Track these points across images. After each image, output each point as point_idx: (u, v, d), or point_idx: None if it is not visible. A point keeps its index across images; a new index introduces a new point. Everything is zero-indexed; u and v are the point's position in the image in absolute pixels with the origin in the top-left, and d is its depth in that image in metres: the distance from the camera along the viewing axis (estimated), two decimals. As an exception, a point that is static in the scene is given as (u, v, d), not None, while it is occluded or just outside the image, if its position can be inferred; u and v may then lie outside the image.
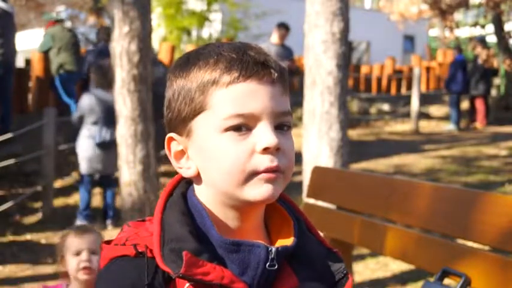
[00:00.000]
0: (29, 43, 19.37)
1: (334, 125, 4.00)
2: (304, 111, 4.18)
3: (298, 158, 5.73)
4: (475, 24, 13.71)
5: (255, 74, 0.91)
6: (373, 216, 2.45)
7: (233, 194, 0.91)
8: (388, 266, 4.59)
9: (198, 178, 0.95)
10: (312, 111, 4.05)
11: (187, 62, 0.95)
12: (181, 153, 0.96)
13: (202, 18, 13.27)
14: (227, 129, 0.90)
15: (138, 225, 0.97)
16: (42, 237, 5.72)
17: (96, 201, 6.55)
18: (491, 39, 14.26)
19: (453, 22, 12.60)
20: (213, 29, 14.23)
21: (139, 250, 0.91)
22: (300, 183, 4.59)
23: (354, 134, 10.56)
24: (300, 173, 4.53)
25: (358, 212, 2.50)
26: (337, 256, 1.02)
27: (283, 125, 0.94)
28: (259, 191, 0.90)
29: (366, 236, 2.41)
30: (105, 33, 7.90)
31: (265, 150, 0.90)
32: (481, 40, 12.00)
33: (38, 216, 6.31)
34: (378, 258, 4.72)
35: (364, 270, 4.54)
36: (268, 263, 0.92)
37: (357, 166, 7.80)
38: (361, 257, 4.76)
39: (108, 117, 5.73)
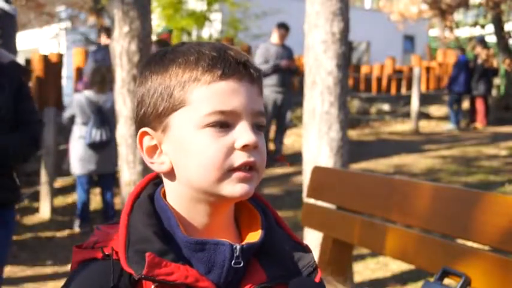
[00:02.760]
0: (29, 43, 19.37)
1: (334, 125, 4.00)
2: (304, 111, 4.18)
3: (298, 158, 5.73)
4: (475, 24, 13.71)
5: (237, 73, 0.92)
6: (373, 216, 2.45)
7: (208, 190, 0.92)
8: (388, 266, 4.59)
9: (170, 174, 0.96)
10: (312, 111, 4.05)
11: (164, 59, 0.95)
12: (154, 148, 0.96)
13: (202, 18, 13.27)
14: (207, 126, 0.91)
15: (107, 228, 0.98)
16: (42, 237, 5.72)
17: (96, 201, 6.55)
18: (491, 39, 14.26)
19: (453, 22, 12.60)
20: (213, 29, 14.23)
21: (106, 253, 0.91)
22: (300, 183, 4.59)
23: (354, 134, 10.56)
24: (300, 173, 4.53)
25: (358, 212, 2.49)
26: (307, 250, 1.02)
27: (258, 125, 0.95)
28: (235, 188, 0.91)
29: (366, 236, 2.40)
30: (106, 33, 7.94)
31: (244, 148, 0.91)
32: (481, 40, 12.01)
33: (38, 216, 6.31)
34: (378, 258, 4.72)
35: (364, 270, 4.55)
36: (233, 261, 0.92)
37: (357, 166, 7.80)
38: (361, 257, 4.76)
39: (99, 118, 5.75)
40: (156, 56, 0.97)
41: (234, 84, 0.92)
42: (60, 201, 6.80)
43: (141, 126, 0.97)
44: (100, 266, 0.91)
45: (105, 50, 7.62)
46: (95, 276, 0.91)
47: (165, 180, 0.98)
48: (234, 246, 0.93)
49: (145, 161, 0.97)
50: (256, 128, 0.95)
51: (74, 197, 6.67)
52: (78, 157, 5.82)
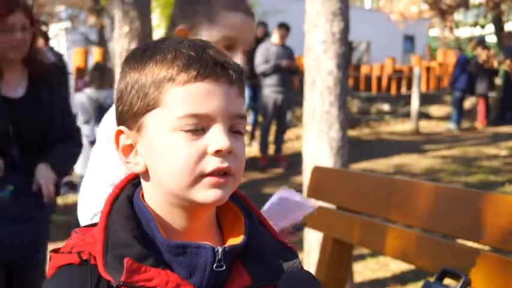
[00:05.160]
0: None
1: (334, 125, 3.99)
2: (304, 111, 4.18)
3: (298, 158, 5.72)
4: (475, 24, 13.70)
5: (213, 74, 0.89)
6: (373, 216, 2.45)
7: (181, 194, 0.90)
8: (388, 266, 4.59)
9: (145, 175, 0.93)
10: (312, 111, 4.05)
11: (143, 55, 0.92)
12: (130, 147, 0.94)
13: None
14: (180, 129, 0.88)
15: (85, 232, 0.94)
16: (42, 237, 5.72)
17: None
18: (492, 39, 14.26)
19: (453, 22, 12.59)
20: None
21: (84, 258, 0.89)
22: (300, 183, 4.59)
23: (354, 134, 10.55)
24: (300, 173, 4.53)
25: (358, 212, 2.49)
26: (291, 251, 1.00)
27: (236, 127, 0.92)
28: (207, 194, 0.89)
29: (366, 236, 2.40)
30: None
31: (217, 153, 0.88)
32: (481, 41, 12.00)
33: (38, 216, 6.31)
34: (378, 258, 4.72)
35: (364, 270, 4.55)
36: (215, 264, 0.90)
37: (357, 166, 7.80)
38: (361, 257, 4.76)
39: (101, 116, 5.76)
40: (137, 51, 0.95)
41: (210, 86, 0.89)
42: (60, 201, 6.80)
43: (119, 123, 0.95)
44: (77, 272, 0.88)
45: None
46: (71, 282, 0.88)
47: (142, 181, 0.96)
48: (216, 249, 0.90)
49: (121, 160, 0.95)
50: (234, 131, 0.92)
51: (74, 197, 6.67)
52: (81, 156, 5.83)
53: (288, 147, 9.32)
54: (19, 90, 2.48)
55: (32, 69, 2.51)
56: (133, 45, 4.71)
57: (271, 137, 8.59)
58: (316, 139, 4.03)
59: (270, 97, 7.98)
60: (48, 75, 2.53)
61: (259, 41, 8.59)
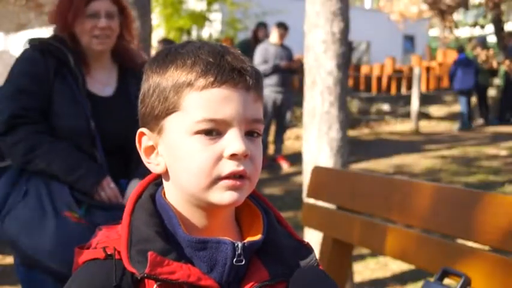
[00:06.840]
0: (29, 43, 19.32)
1: (334, 125, 3.99)
2: (304, 111, 4.18)
3: (298, 158, 5.73)
4: (474, 24, 13.72)
5: (231, 80, 0.92)
6: (373, 216, 2.45)
7: (198, 196, 0.93)
8: (388, 266, 4.59)
9: (166, 175, 0.98)
10: (312, 111, 4.05)
11: (165, 59, 0.96)
12: (152, 148, 0.98)
13: (201, 18, 13.27)
14: (197, 133, 0.91)
15: (109, 229, 0.99)
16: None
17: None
18: (491, 39, 14.27)
19: (453, 22, 12.61)
20: (213, 29, 14.24)
21: (108, 252, 0.93)
22: (300, 183, 4.60)
23: (354, 134, 10.56)
24: (300, 173, 4.53)
25: (358, 212, 2.49)
26: (308, 248, 1.03)
27: (253, 132, 0.95)
28: (223, 196, 0.92)
29: (366, 236, 2.40)
30: None
31: (233, 157, 0.91)
32: (482, 41, 12.01)
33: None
34: (377, 258, 4.72)
35: (364, 270, 4.54)
36: (235, 259, 0.93)
37: (356, 166, 7.81)
38: (361, 257, 4.76)
39: None
40: (160, 55, 0.98)
41: (227, 92, 0.92)
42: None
43: (142, 125, 0.99)
44: (102, 266, 0.92)
45: None
46: (97, 276, 0.92)
47: (163, 181, 1.00)
48: (236, 244, 0.94)
49: (144, 160, 0.99)
50: (251, 135, 0.95)
51: (74, 197, 6.66)
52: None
53: (288, 147, 9.33)
54: (107, 89, 2.27)
55: (122, 65, 2.31)
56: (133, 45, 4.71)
57: (271, 137, 8.59)
58: (316, 139, 4.03)
59: (269, 97, 7.98)
60: (140, 75, 2.41)
61: (259, 41, 8.58)
